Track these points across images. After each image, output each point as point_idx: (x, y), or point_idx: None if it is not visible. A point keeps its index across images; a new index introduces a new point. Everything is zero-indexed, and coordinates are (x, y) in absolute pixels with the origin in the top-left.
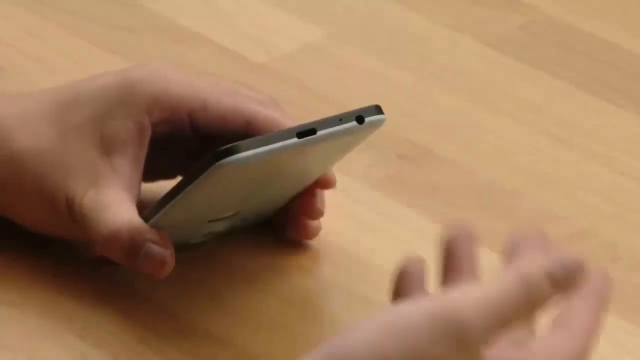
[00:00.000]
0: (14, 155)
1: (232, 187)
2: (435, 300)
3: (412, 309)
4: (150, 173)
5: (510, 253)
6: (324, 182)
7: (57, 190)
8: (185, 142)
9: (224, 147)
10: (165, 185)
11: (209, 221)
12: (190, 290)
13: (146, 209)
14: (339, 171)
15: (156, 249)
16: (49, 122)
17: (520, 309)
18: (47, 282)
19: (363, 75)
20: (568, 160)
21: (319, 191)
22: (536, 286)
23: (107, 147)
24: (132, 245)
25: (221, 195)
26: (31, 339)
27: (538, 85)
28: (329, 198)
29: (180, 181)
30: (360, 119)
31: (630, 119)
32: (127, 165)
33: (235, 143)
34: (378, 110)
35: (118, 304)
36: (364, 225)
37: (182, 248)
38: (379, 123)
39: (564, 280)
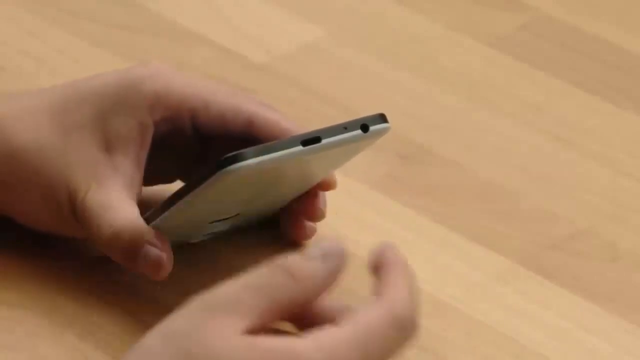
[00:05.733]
0: (15, 153)
1: (236, 191)
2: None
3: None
4: (150, 175)
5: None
6: (325, 184)
7: (59, 187)
8: (185, 144)
9: (229, 154)
10: (166, 187)
11: (211, 222)
12: (192, 290)
13: (149, 209)
14: (339, 171)
15: (154, 251)
16: (51, 119)
17: (269, 282)
18: (48, 282)
19: (363, 75)
20: (568, 160)
21: (320, 193)
22: (282, 261)
23: (108, 145)
24: (131, 247)
25: (224, 199)
26: (32, 339)
27: (538, 85)
28: (329, 198)
29: (184, 186)
30: (365, 128)
31: (630, 119)
32: (129, 164)
33: (240, 151)
34: (382, 118)
35: (119, 304)
36: (364, 225)
37: (184, 247)
38: (384, 131)
39: (317, 252)
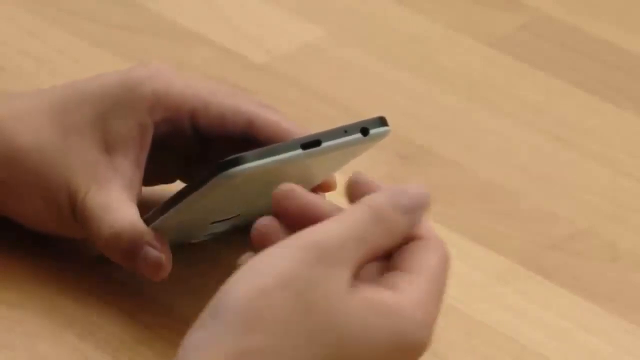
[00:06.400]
0: (15, 154)
1: (236, 193)
2: (299, 236)
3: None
4: (150, 176)
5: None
6: (326, 185)
7: (59, 188)
8: (185, 145)
9: (230, 157)
10: (165, 187)
11: (212, 222)
12: (191, 291)
13: (149, 210)
14: (339, 171)
15: (154, 253)
16: (51, 120)
17: (371, 231)
18: (47, 282)
19: (363, 75)
20: (568, 160)
21: (320, 194)
22: (381, 209)
23: (108, 146)
24: (131, 248)
25: (224, 200)
26: (31, 339)
27: (538, 85)
28: (329, 198)
29: (184, 187)
30: (364, 131)
31: (630, 119)
32: (129, 165)
33: (240, 154)
34: (382, 122)
35: (119, 305)
36: None
37: (184, 247)
38: (384, 135)
39: (409, 206)
